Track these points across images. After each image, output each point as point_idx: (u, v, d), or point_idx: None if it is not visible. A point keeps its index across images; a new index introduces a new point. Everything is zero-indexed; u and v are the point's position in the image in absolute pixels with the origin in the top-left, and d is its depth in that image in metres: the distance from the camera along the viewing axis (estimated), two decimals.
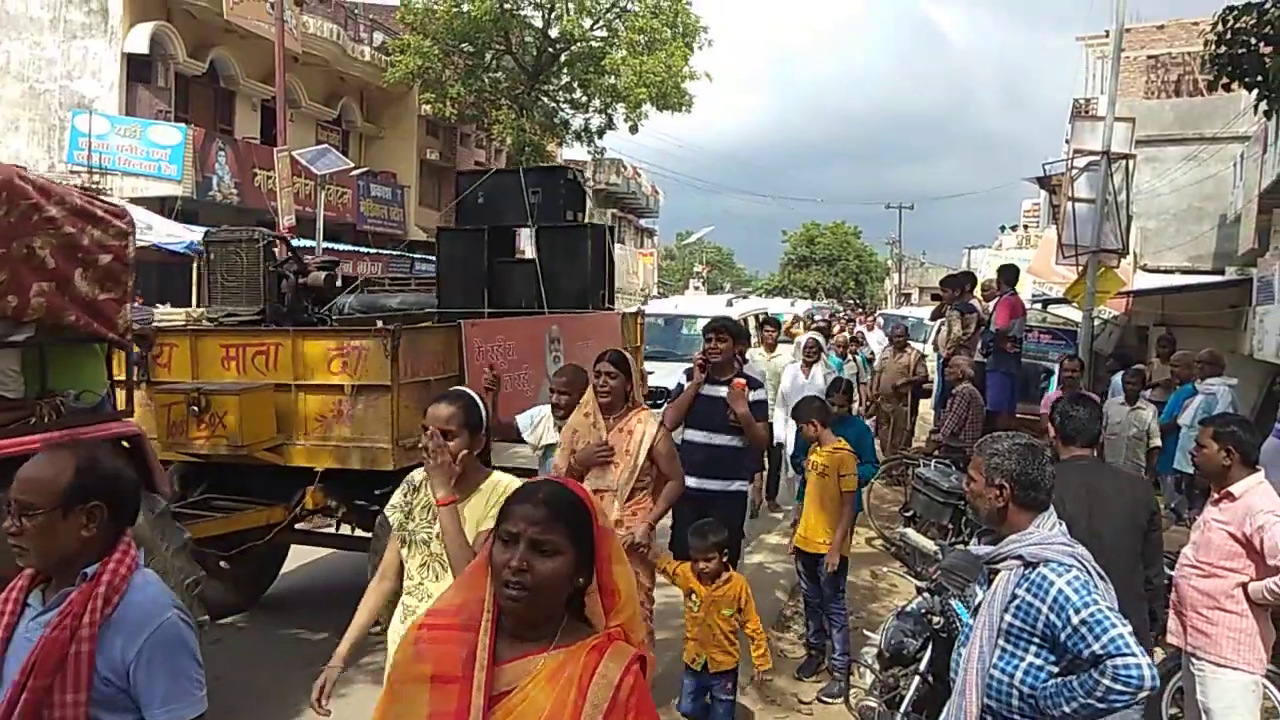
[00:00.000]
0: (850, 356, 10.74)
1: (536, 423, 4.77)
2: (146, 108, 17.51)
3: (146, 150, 16.63)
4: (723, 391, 4.86)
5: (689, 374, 5.13)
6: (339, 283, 6.94)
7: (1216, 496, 3.81)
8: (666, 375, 9.00)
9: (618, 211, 47.30)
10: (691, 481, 4.59)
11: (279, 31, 15.34)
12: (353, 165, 20.08)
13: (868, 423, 9.86)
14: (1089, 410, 3.87)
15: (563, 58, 24.55)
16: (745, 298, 15.70)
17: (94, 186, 16.17)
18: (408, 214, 24.78)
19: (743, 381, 4.85)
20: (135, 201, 16.30)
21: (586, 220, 8.04)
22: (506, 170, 8.29)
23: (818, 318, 18.58)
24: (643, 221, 54.48)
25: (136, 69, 17.59)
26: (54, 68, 17.49)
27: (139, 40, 17.17)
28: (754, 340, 9.21)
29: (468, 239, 7.72)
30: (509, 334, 5.95)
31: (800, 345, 8.93)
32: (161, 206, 16.55)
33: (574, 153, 33.03)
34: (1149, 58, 23.10)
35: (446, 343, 5.49)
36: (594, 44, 24.12)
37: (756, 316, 12.89)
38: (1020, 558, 2.54)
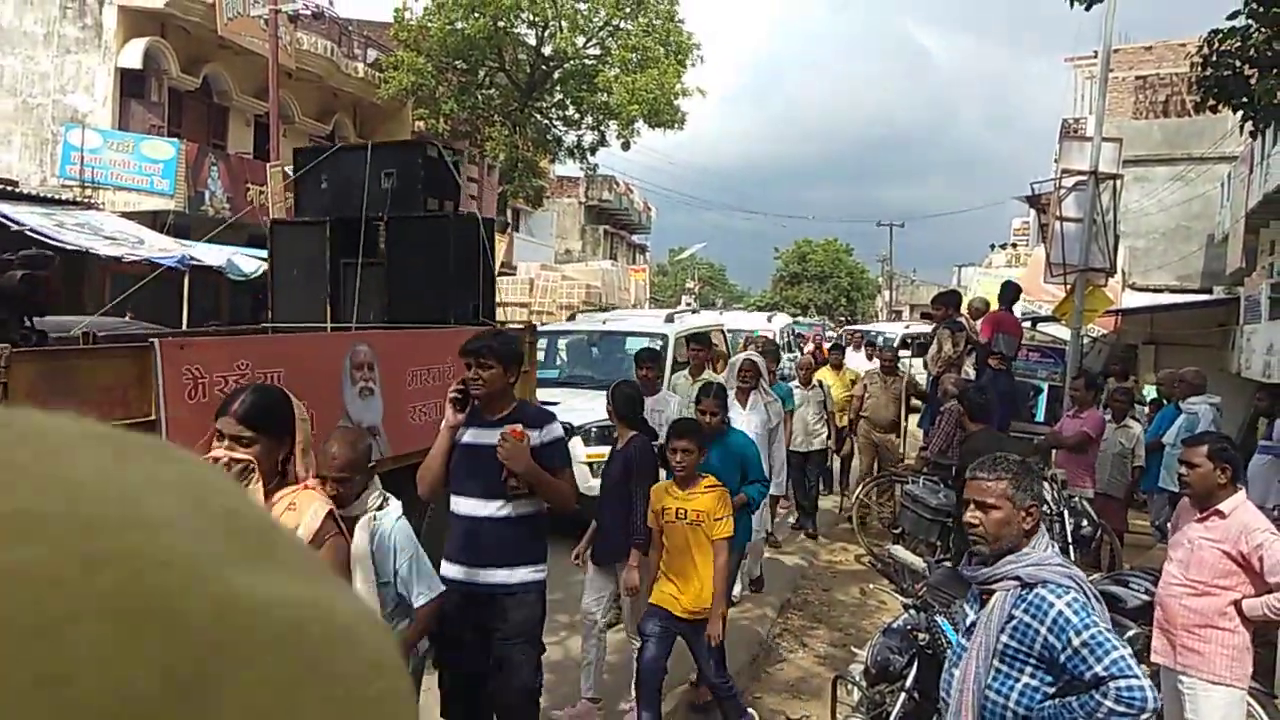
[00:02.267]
0: (816, 382, 9.29)
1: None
2: (140, 122, 17.52)
3: (139, 165, 16.62)
4: (493, 438, 3.49)
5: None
6: (47, 287, 4.95)
7: (1203, 514, 3.84)
8: (587, 407, 7.80)
9: (610, 227, 47.45)
10: (454, 572, 3.55)
11: (273, 47, 15.41)
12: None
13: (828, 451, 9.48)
14: (987, 397, 6.71)
15: (556, 75, 24.65)
16: (695, 312, 13.39)
17: (86, 200, 16.18)
18: None
19: (518, 429, 3.48)
20: (128, 216, 16.30)
21: (460, 210, 6.34)
22: (352, 146, 6.56)
23: (808, 335, 18.35)
24: (635, 237, 54.63)
25: (130, 84, 17.61)
26: (47, 82, 17.50)
27: (132, 55, 17.20)
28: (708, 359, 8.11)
29: (307, 235, 6.20)
30: (264, 357, 4.18)
31: (734, 369, 6.78)
32: (154, 221, 16.54)
33: (566, 169, 33.19)
34: (1137, 78, 23.33)
35: (131, 372, 3.64)
36: (587, 62, 24.25)
37: (710, 335, 10.40)
38: (1018, 579, 2.53)
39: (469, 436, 3.61)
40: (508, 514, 3.56)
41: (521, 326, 7.09)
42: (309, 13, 18.31)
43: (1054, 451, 7.82)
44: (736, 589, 6.12)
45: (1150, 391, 11.05)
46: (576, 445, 7.57)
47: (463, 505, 3.63)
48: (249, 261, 16.03)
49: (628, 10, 23.20)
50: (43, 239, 13.68)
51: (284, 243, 6.57)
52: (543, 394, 8.36)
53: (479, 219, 6.24)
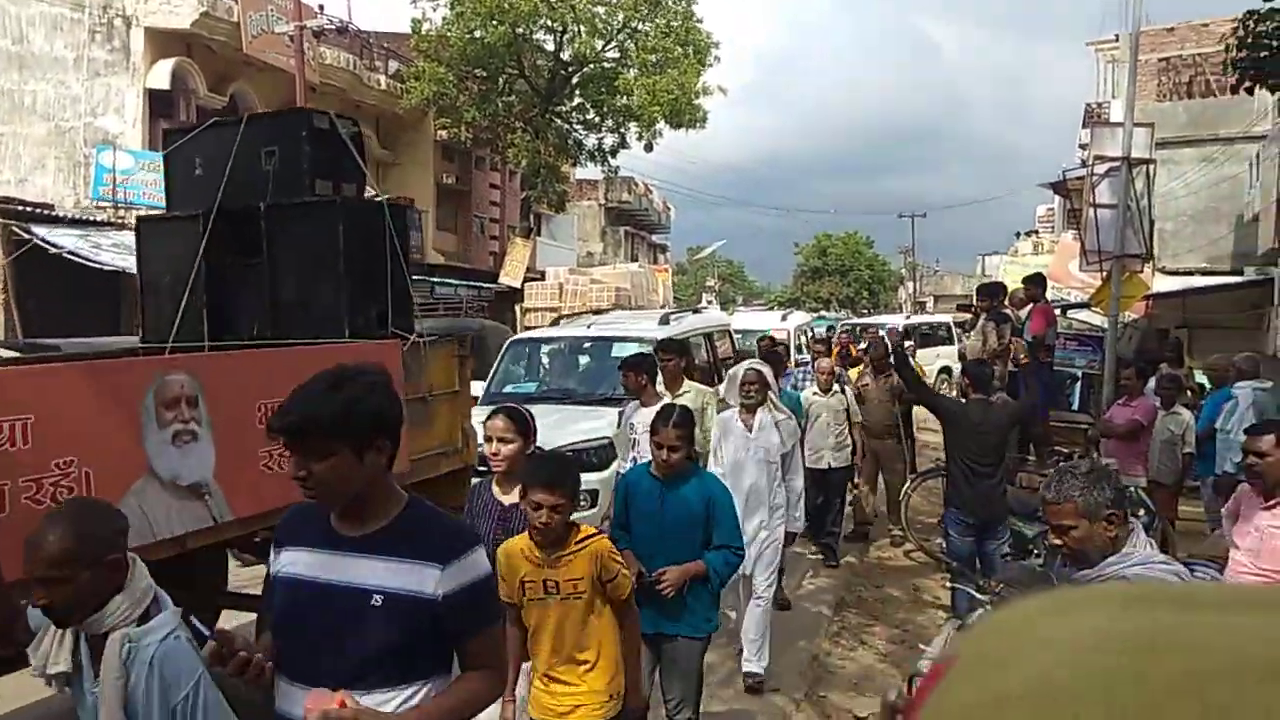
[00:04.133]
0: (841, 387, 8.19)
1: (51, 631, 2.31)
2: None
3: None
4: (346, 573, 2.14)
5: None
6: None
7: (1271, 503, 3.83)
8: (571, 425, 7.12)
9: (630, 229, 47.52)
10: None
11: (299, 63, 15.59)
12: (376, 192, 20.26)
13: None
14: (987, 370, 6.70)
15: (575, 79, 24.75)
16: (697, 312, 11.72)
17: (119, 221, 16.42)
18: (425, 238, 24.96)
19: (342, 700, 1.92)
20: None
21: (361, 194, 5.18)
22: (227, 121, 5.35)
23: (819, 332, 17.49)
24: (655, 238, 54.68)
25: (159, 104, 17.85)
26: (78, 105, 17.77)
27: (160, 76, 17.44)
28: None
29: (178, 232, 5.11)
30: None
31: (734, 381, 5.60)
32: None
33: (587, 172, 33.28)
34: (1160, 60, 23.14)
35: None
36: (606, 65, 24.33)
37: (706, 337, 9.45)
38: (1125, 579, 2.49)
39: (300, 566, 2.12)
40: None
41: (438, 340, 5.37)
42: (333, 27, 18.49)
43: (1102, 440, 7.81)
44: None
45: (1199, 377, 10.97)
46: None
47: (291, 703, 2.08)
48: None
49: (645, 12, 23.27)
50: (82, 261, 13.92)
51: (152, 242, 5.37)
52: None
53: (383, 205, 4.98)
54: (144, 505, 3.39)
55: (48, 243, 14.22)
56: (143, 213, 16.01)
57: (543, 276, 24.88)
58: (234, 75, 19.15)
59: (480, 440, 7.04)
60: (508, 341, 9.49)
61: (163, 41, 17.75)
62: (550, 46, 24.31)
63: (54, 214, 15.26)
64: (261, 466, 3.96)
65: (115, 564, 2.20)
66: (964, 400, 6.27)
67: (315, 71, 18.45)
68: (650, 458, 3.97)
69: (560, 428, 7.07)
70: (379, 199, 5.13)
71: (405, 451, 4.44)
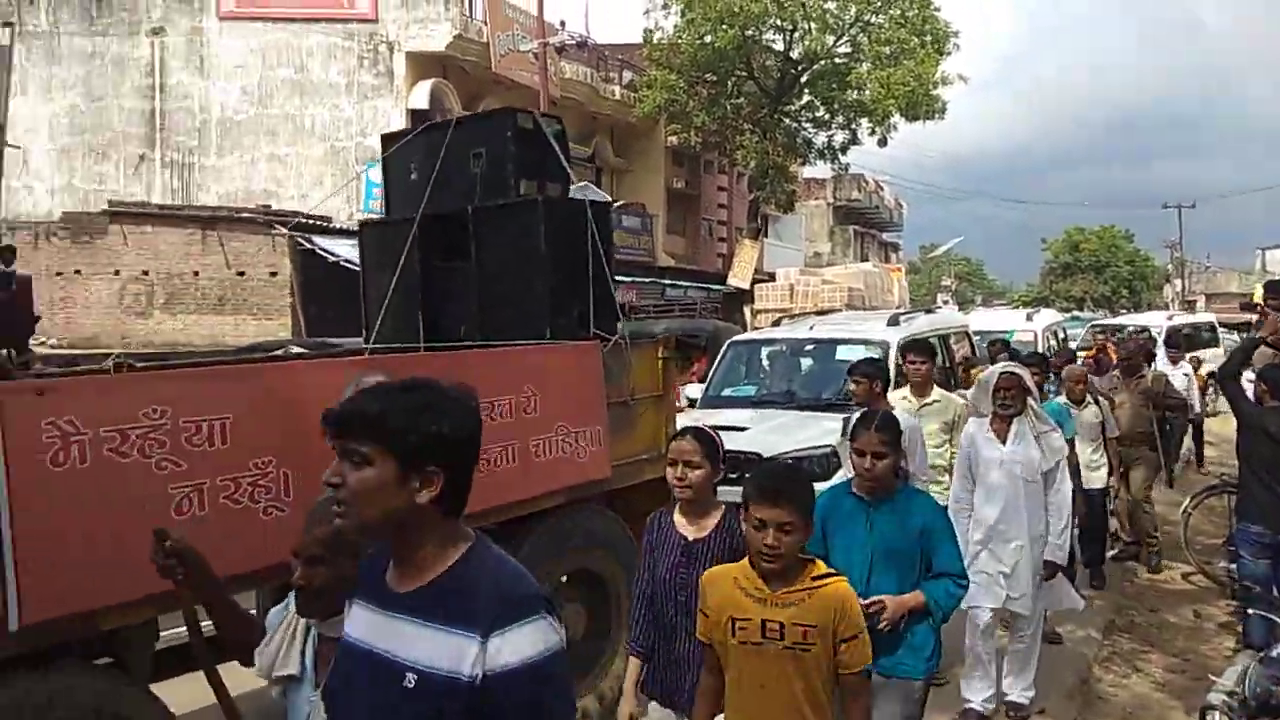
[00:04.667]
0: (1093, 398, 7.06)
1: (283, 628, 2.19)
2: None
3: None
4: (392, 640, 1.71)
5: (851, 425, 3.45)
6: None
7: None
8: (789, 433, 6.79)
9: (859, 227, 46.45)
10: None
11: (542, 79, 16.40)
12: (611, 199, 20.97)
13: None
14: None
15: (804, 77, 24.52)
16: (930, 312, 10.76)
17: None
18: (656, 242, 25.56)
19: None
20: None
21: (565, 194, 5.04)
22: (441, 124, 5.46)
23: (1075, 335, 15.77)
24: (885, 236, 53.16)
25: (418, 123, 19.31)
26: (350, 127, 19.58)
27: (420, 97, 18.88)
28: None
29: (395, 236, 5.19)
30: (197, 400, 3.04)
31: (987, 387, 4.87)
32: None
33: (815, 171, 32.86)
34: None
35: None
36: (837, 60, 23.92)
37: (941, 339, 8.31)
38: None
39: (353, 624, 1.76)
40: None
41: (653, 338, 5.21)
42: (573, 43, 19.30)
43: None
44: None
45: None
46: None
47: None
48: None
49: (878, 4, 22.67)
50: (355, 268, 15.31)
51: (372, 246, 5.59)
52: (731, 416, 7.22)
53: (585, 203, 4.89)
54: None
55: (326, 251, 15.76)
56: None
57: (772, 278, 24.82)
58: (484, 93, 20.43)
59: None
60: (727, 343, 9.18)
61: (421, 64, 19.23)
62: (779, 46, 24.21)
63: (331, 225, 16.87)
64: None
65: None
66: (1260, 405, 5.57)
67: (556, 86, 19.34)
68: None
69: (781, 434, 6.80)
70: (582, 199, 4.95)
71: (606, 456, 4.48)
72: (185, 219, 16.81)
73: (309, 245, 16.06)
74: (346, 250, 15.64)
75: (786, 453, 6.55)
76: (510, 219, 4.85)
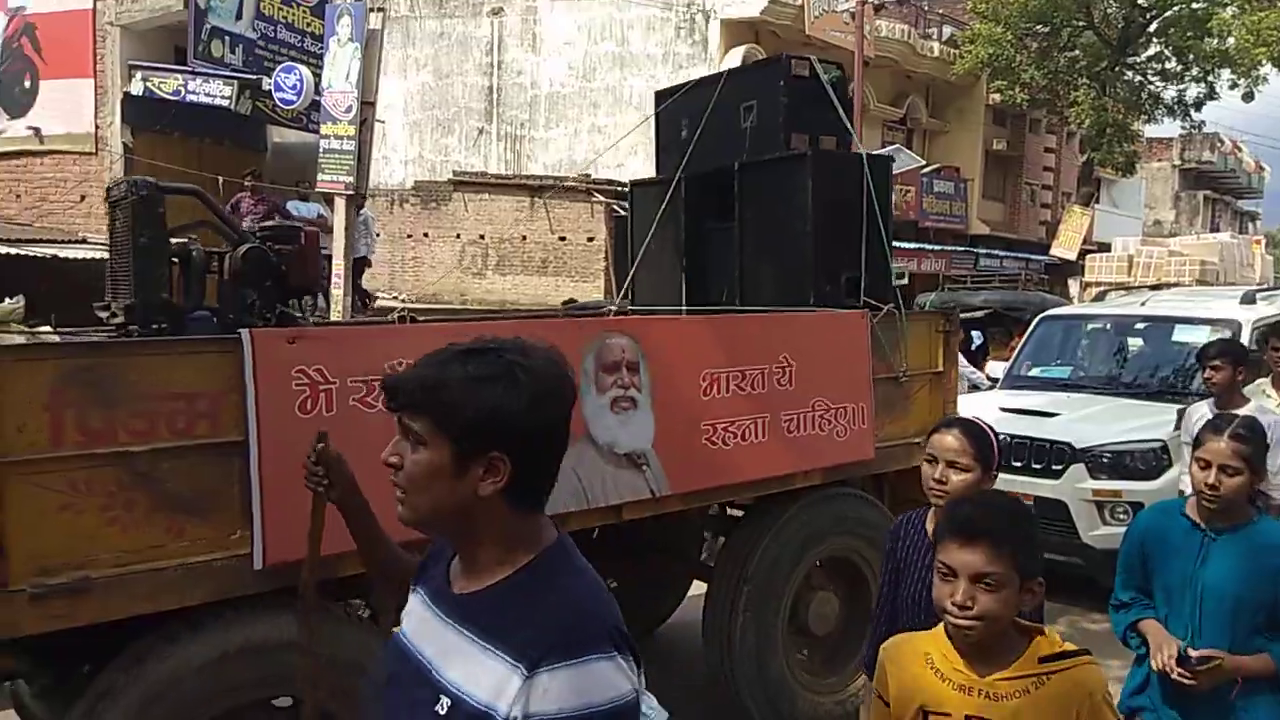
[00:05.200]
0: None
1: None
2: None
3: None
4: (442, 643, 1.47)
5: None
6: (298, 264, 3.97)
7: None
8: (1108, 421, 6.25)
9: (1211, 193, 41.12)
10: None
11: (858, 38, 15.90)
12: (925, 163, 20.11)
13: None
14: None
15: (1153, 25, 21.93)
16: None
17: None
18: (970, 208, 24.15)
19: None
20: None
21: (843, 148, 4.59)
22: (712, 78, 5.10)
23: None
24: (1242, 203, 46.72)
25: None
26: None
27: (732, 63, 18.98)
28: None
29: (661, 196, 4.98)
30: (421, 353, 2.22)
31: None
32: None
33: (1162, 130, 29.42)
34: None
35: (221, 376, 2.65)
36: (1195, 5, 21.14)
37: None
38: None
39: (408, 617, 1.54)
40: None
41: (933, 312, 4.80)
42: (894, 0, 18.54)
43: None
44: None
45: None
46: (1078, 474, 6.07)
47: None
48: None
49: None
50: None
51: (639, 206, 5.35)
52: (1037, 399, 6.81)
53: (862, 158, 4.44)
54: (579, 471, 3.28)
55: None
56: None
57: (1105, 248, 22.59)
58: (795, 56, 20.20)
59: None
60: (1038, 318, 8.36)
61: (735, 31, 19.31)
62: None
63: None
64: (704, 441, 3.65)
65: None
66: None
67: (870, 45, 18.68)
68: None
69: (1099, 423, 6.24)
70: (858, 153, 4.52)
71: (870, 436, 4.14)
72: (516, 187, 18.13)
73: (623, 213, 16.77)
74: None
75: (1104, 445, 6.03)
76: (776, 176, 4.47)
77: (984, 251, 22.71)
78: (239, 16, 12.85)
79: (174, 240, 3.86)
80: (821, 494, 4.16)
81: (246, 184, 11.07)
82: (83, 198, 13.45)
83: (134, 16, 13.06)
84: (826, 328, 4.15)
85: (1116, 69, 22.11)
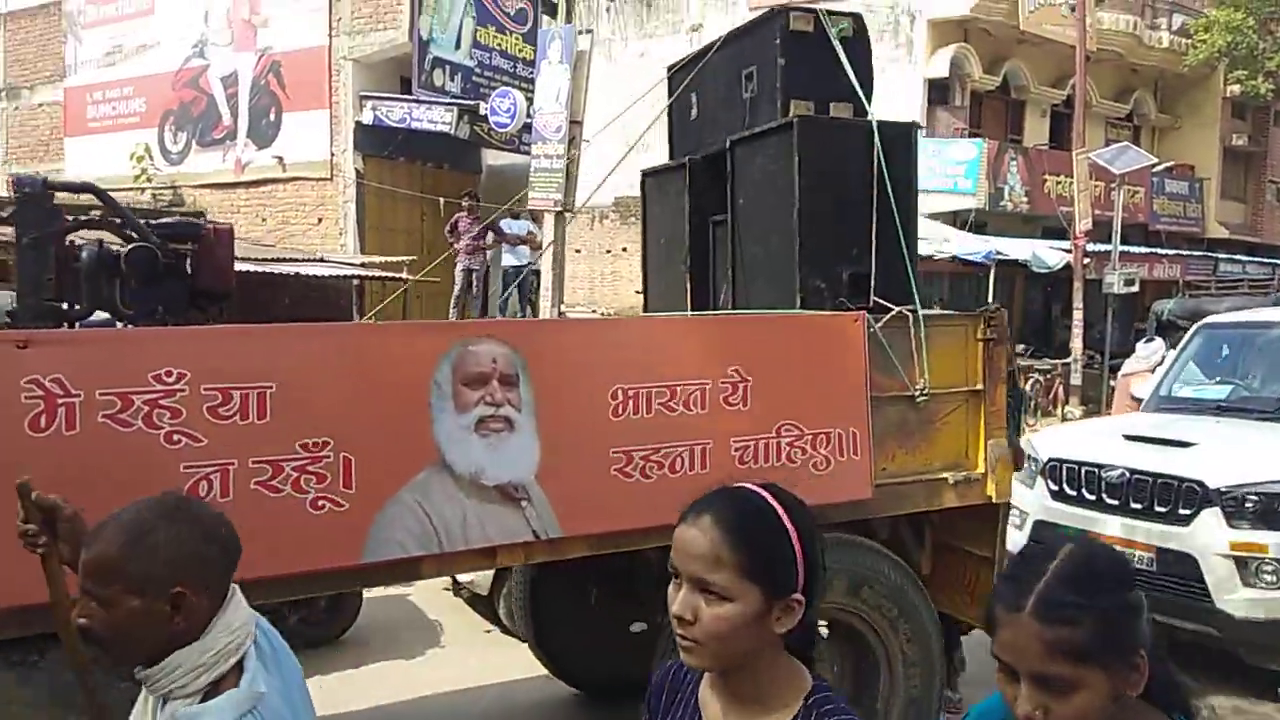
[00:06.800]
0: None
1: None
2: (944, 127, 18.57)
3: (945, 168, 17.63)
4: None
5: None
6: (159, 262, 3.46)
7: None
8: (1266, 455, 4.98)
9: None
10: None
11: (1080, 33, 14.93)
12: (1155, 161, 18.64)
13: None
14: None
15: None
16: None
17: None
18: (1206, 209, 22.17)
19: None
20: (932, 217, 17.41)
21: (861, 112, 3.76)
22: (714, 44, 4.36)
23: None
24: None
25: (935, 92, 18.77)
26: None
27: (940, 65, 18.27)
28: None
29: (669, 185, 4.40)
30: (224, 366, 2.55)
31: None
32: (955, 219, 17.41)
33: None
34: None
35: None
36: None
37: None
38: None
39: None
40: None
41: (980, 314, 3.71)
42: None
43: None
44: None
45: None
46: (1211, 521, 4.78)
47: None
48: (1052, 254, 15.89)
49: None
50: None
51: (652, 198, 4.64)
52: (1178, 425, 5.55)
53: (869, 126, 3.60)
54: (427, 506, 2.72)
55: None
56: (971, 203, 16.76)
57: None
58: (1007, 54, 19.20)
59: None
60: (1196, 325, 6.98)
61: (942, 31, 18.57)
62: None
63: None
64: (615, 472, 2.97)
65: (179, 600, 1.41)
66: None
67: (1093, 39, 17.49)
68: None
69: (1246, 457, 5.05)
70: (863, 120, 3.69)
71: (866, 469, 3.32)
72: None
73: None
74: None
75: (1248, 485, 4.73)
76: (766, 152, 3.69)
77: (1224, 256, 20.76)
78: (458, 46, 13.56)
79: (78, 242, 3.50)
80: None
81: (464, 204, 11.63)
82: (319, 220, 14.55)
83: (365, 50, 14.03)
84: (800, 335, 3.35)
85: None
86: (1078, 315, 14.80)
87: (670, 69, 4.79)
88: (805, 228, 3.51)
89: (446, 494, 2.75)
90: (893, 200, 3.57)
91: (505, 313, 11.68)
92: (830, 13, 3.86)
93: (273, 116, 14.91)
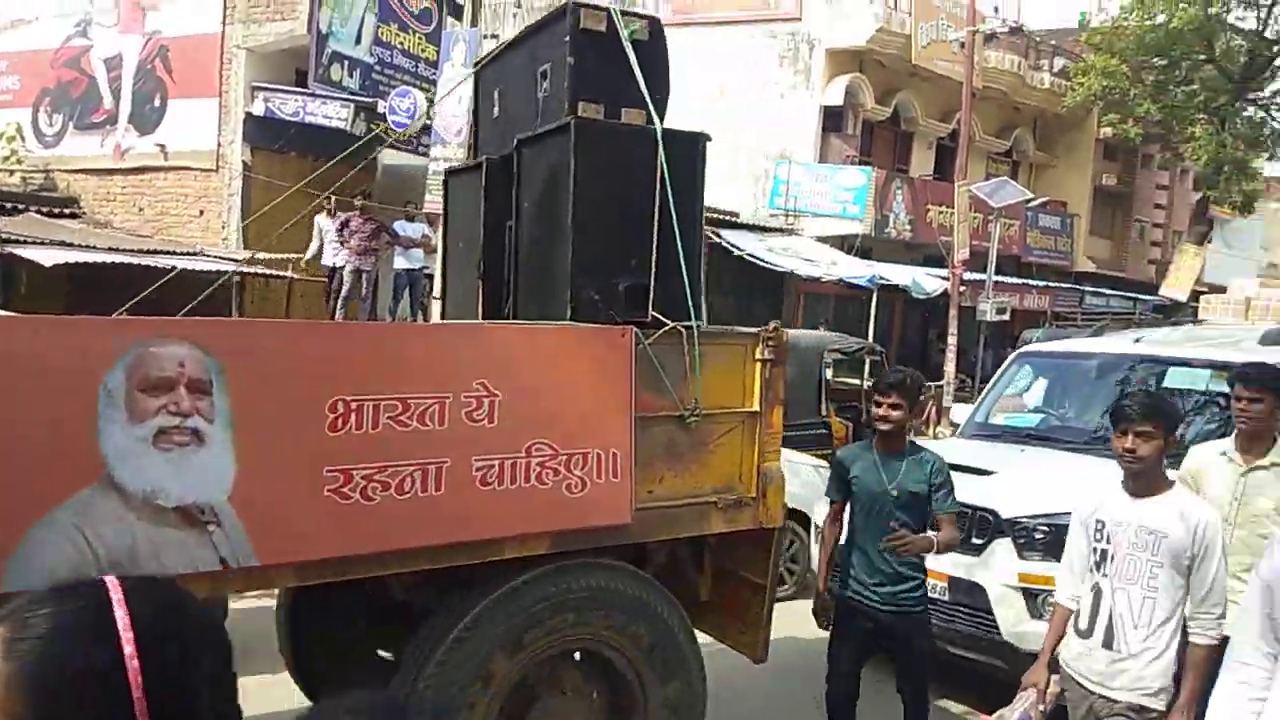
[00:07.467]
0: None
1: None
2: (836, 154, 19.18)
3: (834, 193, 18.21)
4: None
5: None
6: None
7: None
8: (1050, 482, 4.81)
9: None
10: None
11: (968, 69, 15.63)
12: (1031, 196, 19.62)
13: None
14: None
15: (1279, 59, 21.02)
16: None
17: (789, 228, 18.23)
18: (1076, 244, 23.49)
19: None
20: (822, 240, 17.96)
21: (654, 119, 3.49)
22: (514, 41, 4.20)
23: None
24: None
25: (829, 119, 19.37)
26: (764, 125, 20.09)
27: (835, 93, 18.89)
28: None
29: (468, 186, 4.20)
30: None
31: None
32: (843, 244, 17.99)
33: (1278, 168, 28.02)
34: None
35: None
36: None
37: None
38: None
39: None
40: None
41: (752, 334, 3.56)
42: (1006, 30, 18.19)
43: None
44: None
45: None
46: (1002, 552, 4.67)
47: None
48: (931, 281, 16.57)
49: None
50: (754, 261, 15.73)
51: (453, 199, 4.44)
52: (983, 453, 5.38)
53: (654, 133, 3.41)
54: (88, 528, 2.36)
55: (732, 245, 16.36)
56: (858, 228, 17.23)
57: (1219, 290, 21.64)
58: (899, 86, 19.96)
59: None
60: (1012, 355, 6.96)
61: (839, 60, 19.21)
62: (1250, 25, 20.93)
63: (737, 220, 17.47)
64: (330, 493, 2.66)
65: None
66: None
67: (979, 76, 18.36)
68: None
69: (1041, 486, 4.84)
70: (650, 126, 3.49)
71: (626, 492, 3.12)
72: None
73: (716, 239, 16.77)
74: (750, 244, 16.11)
75: (1038, 516, 4.60)
76: (548, 155, 3.51)
77: (1090, 289, 22.02)
78: (358, 41, 13.32)
79: None
80: (555, 568, 3.10)
81: (356, 204, 11.44)
82: (201, 212, 14.07)
83: (259, 40, 13.65)
84: (559, 348, 3.10)
85: (1237, 104, 21.24)
86: (952, 341, 15.46)
87: (477, 64, 4.58)
88: (580, 236, 3.31)
89: (113, 515, 2.38)
90: (674, 212, 3.37)
91: (395, 317, 11.53)
92: (624, 13, 3.64)
93: (157, 102, 14.35)
